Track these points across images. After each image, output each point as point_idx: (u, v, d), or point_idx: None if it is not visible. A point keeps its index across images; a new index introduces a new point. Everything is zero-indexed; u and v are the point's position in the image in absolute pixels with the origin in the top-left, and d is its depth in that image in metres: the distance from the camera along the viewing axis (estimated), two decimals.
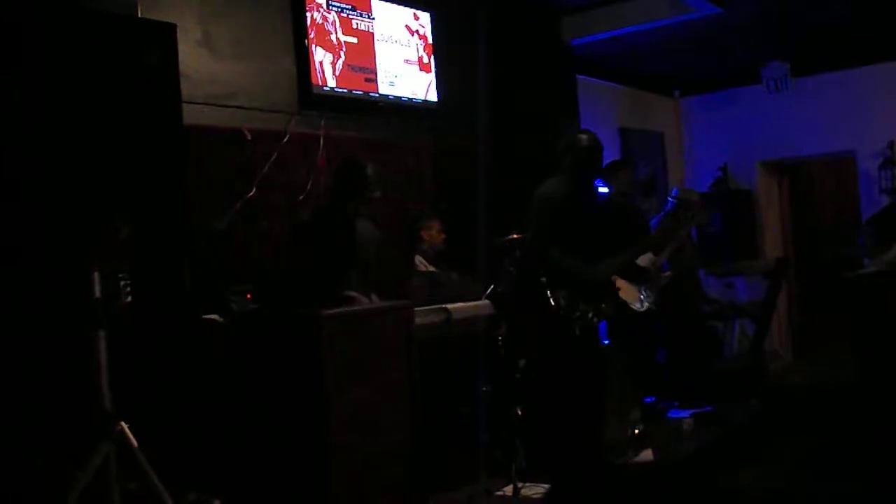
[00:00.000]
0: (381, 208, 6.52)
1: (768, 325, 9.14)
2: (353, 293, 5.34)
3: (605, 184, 7.61)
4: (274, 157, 5.92)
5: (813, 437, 6.87)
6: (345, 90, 6.39)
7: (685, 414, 7.08)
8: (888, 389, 5.96)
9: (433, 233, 6.60)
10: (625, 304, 6.99)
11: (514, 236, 6.05)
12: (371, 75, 6.62)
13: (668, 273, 7.72)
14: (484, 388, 5.81)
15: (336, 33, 6.36)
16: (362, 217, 5.68)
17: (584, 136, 6.00)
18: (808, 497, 5.58)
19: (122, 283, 4.14)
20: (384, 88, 6.72)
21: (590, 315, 5.77)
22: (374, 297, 5.50)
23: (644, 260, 7.32)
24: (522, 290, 5.94)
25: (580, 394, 5.49)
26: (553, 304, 5.65)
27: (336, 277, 5.20)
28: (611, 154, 9.67)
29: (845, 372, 7.13)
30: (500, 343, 5.87)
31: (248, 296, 4.99)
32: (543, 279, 5.71)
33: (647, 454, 6.08)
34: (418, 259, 6.51)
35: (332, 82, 6.29)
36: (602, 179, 7.59)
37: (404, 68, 6.91)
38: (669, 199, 8.44)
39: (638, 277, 7.21)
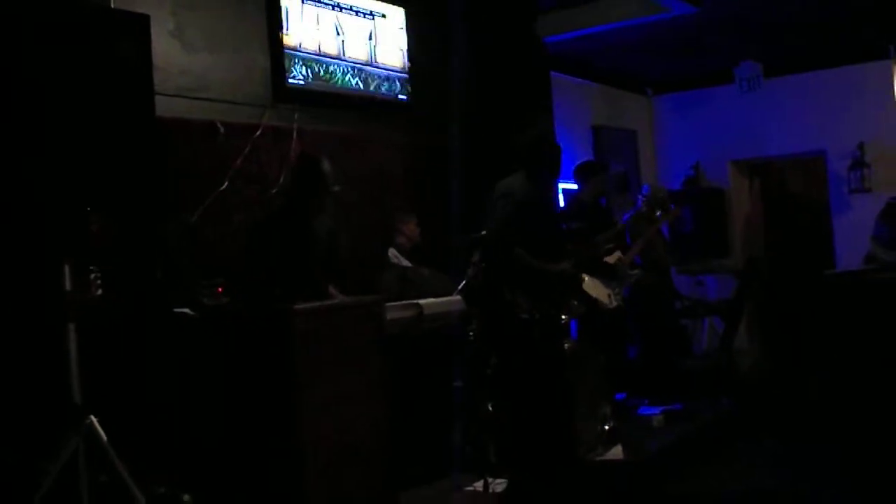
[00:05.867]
0: (353, 203, 6.52)
1: (738, 323, 9.19)
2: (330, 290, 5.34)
3: (577, 184, 7.67)
4: (247, 151, 5.90)
5: (780, 435, 6.93)
6: (318, 84, 6.38)
7: (655, 411, 7.11)
8: (858, 388, 6.00)
9: (412, 226, 6.63)
10: (595, 301, 7.03)
11: (484, 232, 6.07)
12: (345, 70, 6.61)
13: (637, 271, 7.76)
14: (455, 384, 5.81)
15: (310, 27, 6.34)
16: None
17: (551, 140, 6.07)
18: (777, 495, 5.62)
19: (93, 275, 4.11)
20: (357, 84, 6.71)
21: (556, 315, 5.80)
22: (332, 289, 5.45)
23: (613, 257, 7.37)
24: (484, 288, 5.96)
25: (543, 394, 5.51)
26: (514, 304, 5.67)
27: (301, 276, 5.15)
28: (584, 151, 9.75)
29: (813, 370, 7.19)
30: (471, 338, 5.88)
31: (220, 289, 4.97)
32: (505, 278, 5.73)
33: (616, 451, 6.10)
34: (392, 252, 6.52)
35: (305, 76, 6.28)
36: (575, 180, 7.66)
37: (378, 64, 6.90)
38: (640, 196, 8.49)
39: (607, 274, 7.26)
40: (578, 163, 7.78)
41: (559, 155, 6.26)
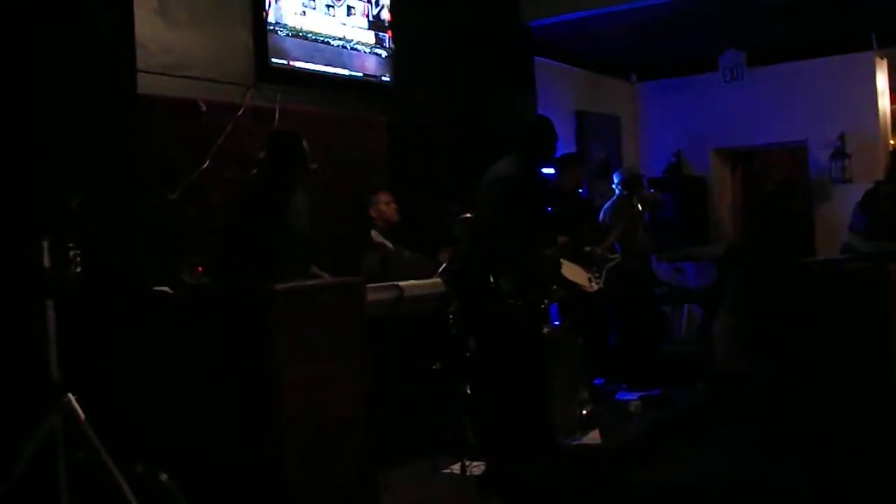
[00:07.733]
0: (335, 184, 6.50)
1: (717, 310, 9.24)
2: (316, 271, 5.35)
3: (555, 172, 7.70)
4: (229, 130, 5.86)
5: (755, 423, 6.97)
6: (301, 64, 6.36)
7: (633, 396, 7.14)
8: (833, 376, 6.03)
9: (381, 206, 6.59)
10: (574, 285, 7.05)
11: (468, 215, 6.07)
12: (328, 50, 6.59)
13: (616, 255, 7.80)
14: (434, 366, 5.83)
15: (295, 6, 6.31)
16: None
17: (550, 125, 6.09)
18: (751, 481, 5.66)
19: (73, 252, 4.08)
20: (340, 64, 6.69)
21: (537, 302, 5.83)
22: (315, 269, 5.45)
23: None
24: (470, 272, 5.97)
25: (522, 378, 5.53)
26: (498, 291, 5.69)
27: (283, 255, 5.14)
28: (567, 137, 9.75)
29: (790, 358, 7.22)
30: (451, 321, 5.89)
31: (200, 268, 4.95)
32: (493, 264, 5.74)
33: (594, 435, 6.13)
34: (374, 234, 6.51)
35: (288, 56, 6.25)
36: (554, 168, 7.69)
37: (361, 44, 6.88)
38: (615, 186, 8.53)
39: (587, 259, 7.28)
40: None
41: (556, 141, 6.27)
